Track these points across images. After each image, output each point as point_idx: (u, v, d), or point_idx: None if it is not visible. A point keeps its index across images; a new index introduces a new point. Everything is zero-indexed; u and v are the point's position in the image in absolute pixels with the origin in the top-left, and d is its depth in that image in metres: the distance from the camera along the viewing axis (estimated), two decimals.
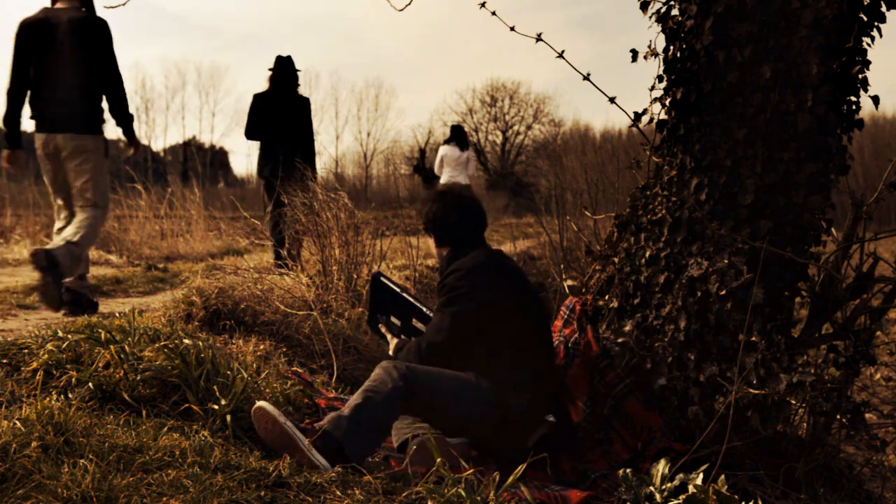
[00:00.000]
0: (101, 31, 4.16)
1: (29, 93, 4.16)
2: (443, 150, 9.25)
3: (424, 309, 2.88)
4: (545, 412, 2.56)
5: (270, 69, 5.97)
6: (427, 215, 2.79)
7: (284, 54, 6.00)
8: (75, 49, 4.09)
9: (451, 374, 2.54)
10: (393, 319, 2.90)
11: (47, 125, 4.16)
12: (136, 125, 4.27)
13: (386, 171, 36.70)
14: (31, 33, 4.09)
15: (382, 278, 2.99)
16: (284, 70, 5.96)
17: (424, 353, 2.60)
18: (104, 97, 4.23)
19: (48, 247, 3.97)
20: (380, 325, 2.93)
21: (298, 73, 6.03)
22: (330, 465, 2.13)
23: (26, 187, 10.11)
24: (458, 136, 9.23)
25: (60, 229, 4.26)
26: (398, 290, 2.92)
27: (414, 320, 2.89)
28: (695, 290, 2.66)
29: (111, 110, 4.27)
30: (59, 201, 4.32)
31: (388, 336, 2.87)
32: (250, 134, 5.93)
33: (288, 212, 4.79)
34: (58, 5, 4.20)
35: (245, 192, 23.80)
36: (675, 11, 2.81)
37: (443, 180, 9.08)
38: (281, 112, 5.89)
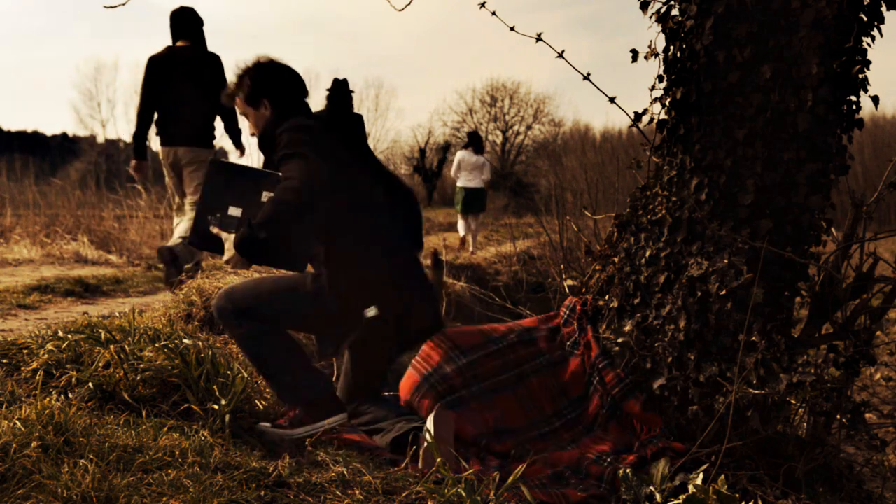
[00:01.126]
0: (215, 64, 5.00)
1: (156, 114, 4.99)
2: (460, 154, 9.96)
3: (278, 173, 2.43)
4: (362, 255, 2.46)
5: (328, 89, 6.83)
6: (255, 77, 2.64)
7: (341, 77, 6.92)
8: (192, 78, 4.90)
9: (262, 277, 2.62)
10: (231, 212, 2.45)
11: (171, 140, 4.99)
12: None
13: None
14: (156, 66, 4.93)
15: (223, 160, 2.76)
16: (340, 91, 6.89)
17: (279, 212, 2.22)
18: (219, 117, 5.07)
19: (169, 244, 4.78)
20: (211, 228, 2.46)
21: (352, 93, 6.93)
22: (330, 413, 2.35)
23: (26, 187, 10.09)
24: (474, 141, 9.98)
25: (177, 225, 5.11)
26: (243, 164, 2.61)
27: (264, 193, 2.45)
28: (695, 290, 2.66)
29: (226, 128, 5.20)
30: (178, 201, 5.19)
31: (223, 234, 2.43)
32: None
33: None
34: (178, 44, 4.99)
35: None
36: (675, 11, 2.81)
37: (459, 183, 9.82)
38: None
